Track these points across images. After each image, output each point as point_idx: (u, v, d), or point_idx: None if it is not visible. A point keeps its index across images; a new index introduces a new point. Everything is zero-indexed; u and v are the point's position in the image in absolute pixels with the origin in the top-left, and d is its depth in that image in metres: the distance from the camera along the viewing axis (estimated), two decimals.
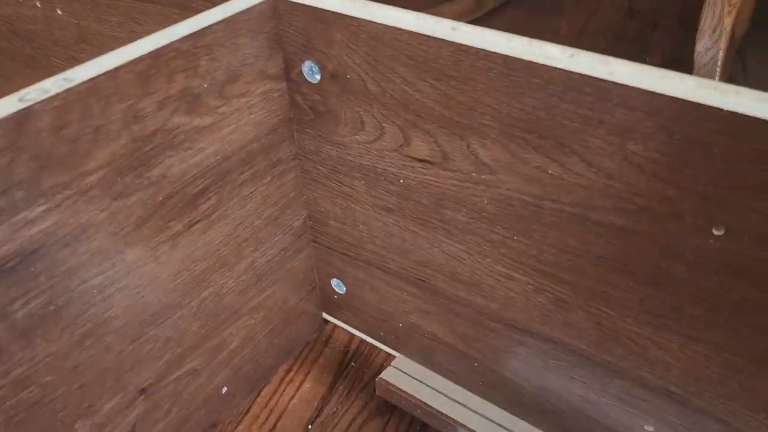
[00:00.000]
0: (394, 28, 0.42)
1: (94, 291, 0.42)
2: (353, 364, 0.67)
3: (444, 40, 0.40)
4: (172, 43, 0.41)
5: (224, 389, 0.57)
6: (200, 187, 0.47)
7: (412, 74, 0.43)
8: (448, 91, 0.42)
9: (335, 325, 0.70)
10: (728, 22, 0.60)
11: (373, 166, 0.50)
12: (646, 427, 0.47)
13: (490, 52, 0.38)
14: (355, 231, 0.56)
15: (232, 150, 0.49)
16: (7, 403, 0.40)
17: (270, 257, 0.56)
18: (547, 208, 0.42)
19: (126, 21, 0.58)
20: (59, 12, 0.64)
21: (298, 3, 0.45)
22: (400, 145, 0.47)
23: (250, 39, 0.46)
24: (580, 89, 0.36)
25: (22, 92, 0.36)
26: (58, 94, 0.36)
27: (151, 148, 0.42)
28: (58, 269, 0.40)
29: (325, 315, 0.68)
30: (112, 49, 0.63)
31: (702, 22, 0.62)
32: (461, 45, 0.39)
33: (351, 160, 0.51)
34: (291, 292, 0.61)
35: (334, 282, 0.62)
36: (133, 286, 0.45)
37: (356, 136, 0.49)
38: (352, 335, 0.69)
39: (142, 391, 0.49)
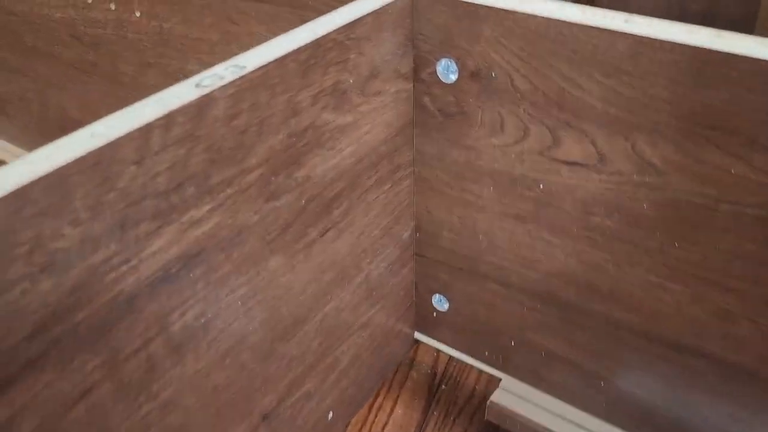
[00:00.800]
0: (560, 21, 0.39)
1: (239, 302, 0.39)
2: (444, 386, 0.64)
3: (619, 32, 0.38)
4: (329, 34, 0.38)
5: (330, 414, 0.53)
6: (336, 190, 0.44)
7: (575, 70, 0.40)
8: (619, 86, 0.39)
9: (420, 345, 0.66)
10: None
11: (508, 170, 0.47)
12: None
13: (677, 44, 0.36)
14: (473, 242, 0.53)
15: (365, 152, 0.46)
16: (151, 430, 0.36)
17: (381, 270, 0.53)
18: (723, 211, 0.40)
19: (220, 21, 0.55)
20: (137, 14, 0.61)
21: None
22: (548, 147, 0.44)
23: (391, 34, 0.43)
24: None
25: (197, 78, 0.33)
26: (233, 81, 0.33)
27: (303, 145, 0.39)
28: (213, 276, 0.36)
29: (417, 334, 0.64)
30: (197, 52, 0.60)
31: None
32: (641, 37, 0.37)
33: (482, 165, 0.48)
34: (392, 310, 0.57)
35: (436, 298, 0.59)
36: (271, 298, 0.41)
37: (492, 139, 0.46)
38: (438, 356, 0.66)
39: (264, 417, 0.45)
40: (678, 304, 0.45)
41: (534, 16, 0.40)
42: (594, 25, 0.39)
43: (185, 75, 0.62)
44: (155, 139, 0.30)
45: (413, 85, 0.48)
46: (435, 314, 0.60)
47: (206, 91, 0.32)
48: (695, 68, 0.36)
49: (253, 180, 0.36)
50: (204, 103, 0.32)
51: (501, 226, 0.50)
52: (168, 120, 0.30)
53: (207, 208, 0.34)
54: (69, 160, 0.27)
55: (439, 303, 0.59)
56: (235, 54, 0.56)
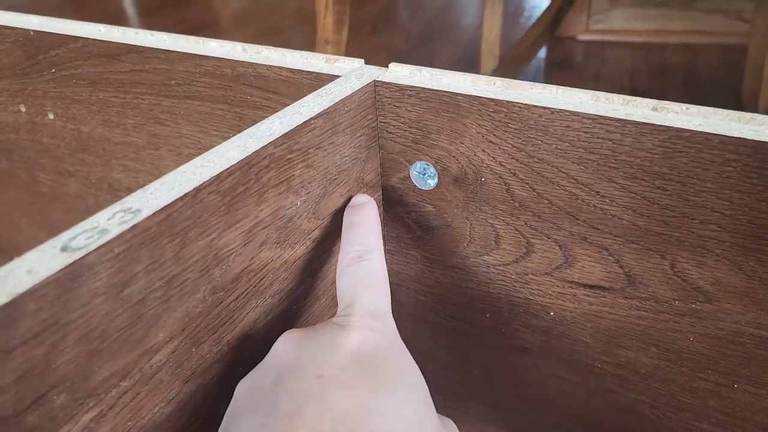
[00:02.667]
0: (568, 112, 0.30)
1: None
2: None
3: (648, 124, 0.29)
4: (264, 148, 0.28)
5: None
6: None
7: (591, 173, 0.31)
8: (650, 193, 0.30)
9: None
10: None
11: (507, 295, 0.37)
12: None
13: (728, 137, 0.27)
14: (466, 378, 0.42)
15: (324, 287, 0.35)
16: None
17: None
18: None
19: (146, 123, 0.45)
20: (51, 116, 0.51)
21: (411, 87, 0.34)
22: (557, 267, 0.35)
23: (348, 137, 0.34)
24: None
25: (65, 236, 0.22)
26: (120, 235, 0.23)
27: (236, 299, 0.29)
28: None
29: None
30: (122, 158, 0.50)
31: None
32: (678, 131, 0.28)
33: (473, 289, 0.38)
34: None
35: None
36: None
37: (486, 257, 0.37)
38: None
39: None
40: None
41: (534, 107, 0.31)
42: (612, 117, 0.29)
43: (110, 184, 0.52)
44: None
45: (382, 194, 0.38)
46: None
47: (78, 255, 0.22)
48: (757, 169, 0.27)
49: (162, 361, 0.26)
50: (75, 275, 0.21)
51: (502, 360, 0.40)
52: (11, 311, 0.20)
53: (90, 416, 0.23)
54: None
55: None
56: (165, 160, 0.46)
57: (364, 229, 0.32)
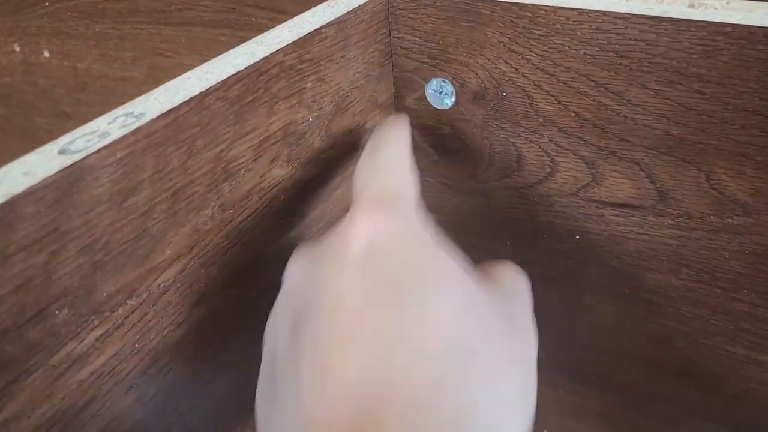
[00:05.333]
0: (598, 12, 0.28)
1: None
2: None
3: (685, 20, 0.26)
4: (274, 55, 0.26)
5: None
6: None
7: (622, 79, 0.29)
8: (686, 98, 0.28)
9: None
10: None
11: (530, 219, 0.35)
12: None
13: None
14: None
15: (337, 213, 0.34)
16: None
17: None
18: None
19: (145, 55, 0.43)
20: (46, 54, 0.49)
21: None
22: (583, 186, 0.33)
23: (361, 51, 0.32)
24: None
25: (63, 139, 0.21)
26: (122, 138, 0.21)
27: (245, 219, 0.27)
28: None
29: None
30: (121, 95, 0.48)
31: None
32: (718, 25, 0.26)
33: (493, 216, 0.36)
34: None
35: None
36: None
37: (507, 180, 0.35)
38: None
39: None
40: None
41: (560, 9, 0.29)
42: (646, 15, 0.27)
43: None
44: None
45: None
46: None
47: (77, 158, 0.20)
48: None
49: (171, 280, 0.24)
50: (74, 178, 0.20)
51: None
52: (8, 212, 0.18)
53: (94, 335, 0.22)
54: None
55: None
56: None
57: (393, 138, 0.26)
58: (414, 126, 0.36)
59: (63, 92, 0.50)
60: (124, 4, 0.41)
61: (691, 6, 0.28)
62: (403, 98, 0.35)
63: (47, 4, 0.45)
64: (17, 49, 0.50)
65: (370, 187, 0.23)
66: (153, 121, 0.22)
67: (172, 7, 0.40)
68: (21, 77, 0.52)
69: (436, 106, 0.34)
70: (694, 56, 0.27)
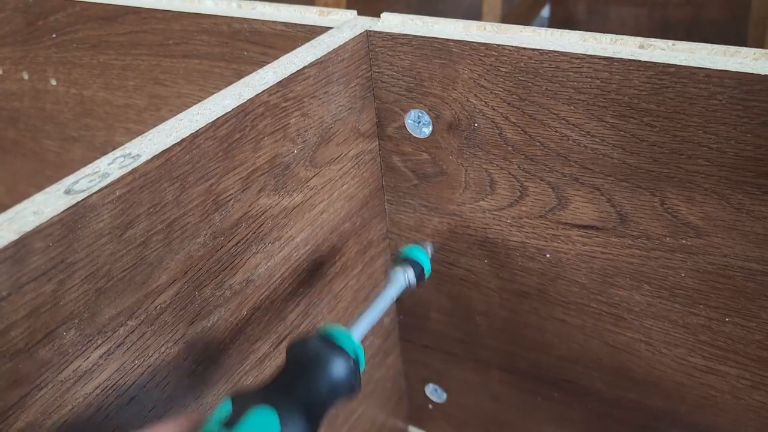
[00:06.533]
0: (557, 53, 0.31)
1: None
2: None
3: (634, 61, 0.29)
4: (258, 96, 0.29)
5: None
6: (289, 290, 0.34)
7: (581, 113, 0.31)
8: (638, 130, 0.31)
9: None
10: None
11: (504, 239, 0.38)
12: None
13: (713, 70, 0.28)
14: (468, 324, 0.43)
15: (323, 235, 0.36)
16: None
17: None
18: None
19: (146, 84, 0.46)
20: (53, 82, 0.52)
21: (403, 35, 0.34)
22: (551, 209, 0.35)
23: (343, 86, 0.34)
24: None
25: (68, 180, 0.23)
26: (120, 178, 0.24)
27: (236, 244, 0.30)
28: None
29: (411, 429, 0.54)
30: (124, 121, 0.51)
31: None
32: (664, 66, 0.28)
33: (471, 235, 0.39)
34: (378, 408, 0.48)
35: (430, 388, 0.49)
36: None
37: (482, 202, 0.37)
38: None
39: None
40: (734, 390, 0.36)
41: (523, 49, 0.31)
42: (600, 55, 0.30)
43: (114, 148, 0.52)
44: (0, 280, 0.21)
45: (378, 144, 0.39)
46: (431, 406, 0.51)
47: (80, 197, 0.22)
48: (742, 101, 0.27)
49: (167, 302, 0.27)
50: (78, 215, 0.22)
51: (502, 305, 0.41)
52: (20, 248, 0.21)
53: (99, 353, 0.25)
54: None
55: (435, 393, 0.49)
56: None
57: None
58: (395, 152, 0.38)
59: (70, 117, 0.53)
60: (126, 37, 0.44)
61: (641, 47, 0.30)
62: (384, 127, 0.38)
63: (54, 35, 0.48)
64: (26, 77, 0.53)
65: None
66: (148, 162, 0.24)
67: (171, 41, 0.42)
68: (29, 102, 0.55)
69: (415, 135, 0.37)
70: (644, 93, 0.29)
